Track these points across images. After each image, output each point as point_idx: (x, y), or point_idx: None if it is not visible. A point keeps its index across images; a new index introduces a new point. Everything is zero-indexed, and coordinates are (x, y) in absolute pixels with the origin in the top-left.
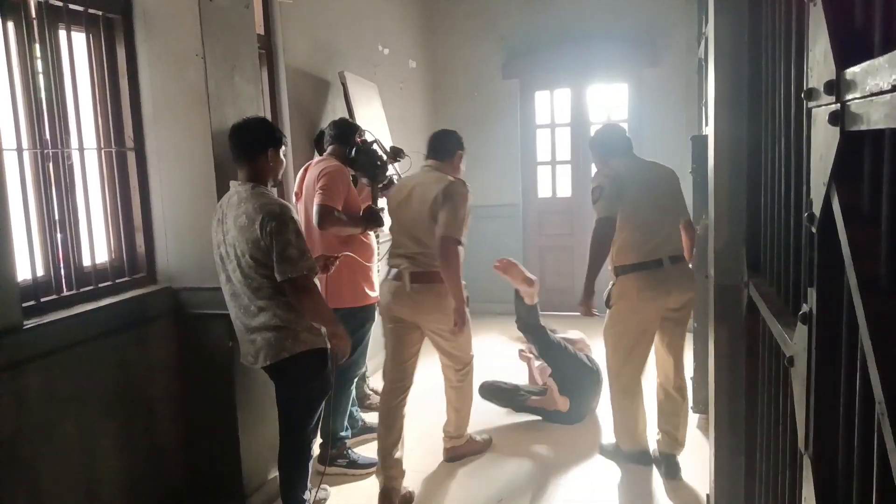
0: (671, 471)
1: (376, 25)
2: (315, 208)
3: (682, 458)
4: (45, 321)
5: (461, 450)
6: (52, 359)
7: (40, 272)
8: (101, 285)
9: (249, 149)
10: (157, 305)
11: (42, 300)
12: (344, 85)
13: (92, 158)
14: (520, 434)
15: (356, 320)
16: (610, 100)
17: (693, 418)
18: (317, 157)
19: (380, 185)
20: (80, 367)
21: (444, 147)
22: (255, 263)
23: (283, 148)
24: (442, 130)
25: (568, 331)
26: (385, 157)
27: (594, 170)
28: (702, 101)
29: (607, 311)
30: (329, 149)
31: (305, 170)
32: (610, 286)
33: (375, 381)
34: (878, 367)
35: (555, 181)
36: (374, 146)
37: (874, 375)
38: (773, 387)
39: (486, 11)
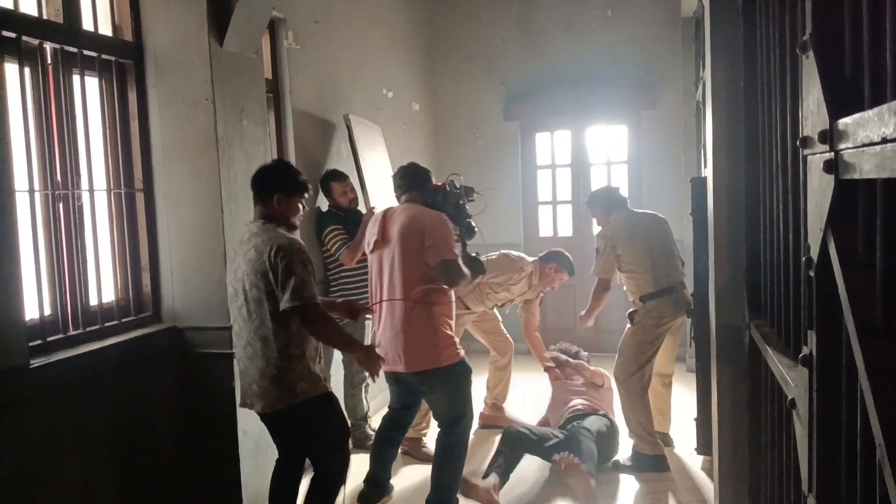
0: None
1: (380, 69)
2: (441, 263)
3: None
4: (51, 360)
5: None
6: (56, 398)
7: (48, 311)
8: (107, 324)
9: (260, 190)
10: (161, 344)
11: (49, 339)
12: (349, 127)
13: (101, 199)
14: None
15: (458, 376)
16: (609, 141)
17: (697, 460)
18: (397, 204)
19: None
20: (84, 406)
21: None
22: (260, 297)
23: (304, 196)
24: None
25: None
26: (463, 200)
27: (594, 223)
28: (700, 143)
29: (628, 326)
30: (405, 196)
31: (384, 218)
32: (634, 309)
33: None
34: (877, 411)
35: (556, 220)
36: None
37: (874, 419)
38: (776, 428)
39: (487, 55)
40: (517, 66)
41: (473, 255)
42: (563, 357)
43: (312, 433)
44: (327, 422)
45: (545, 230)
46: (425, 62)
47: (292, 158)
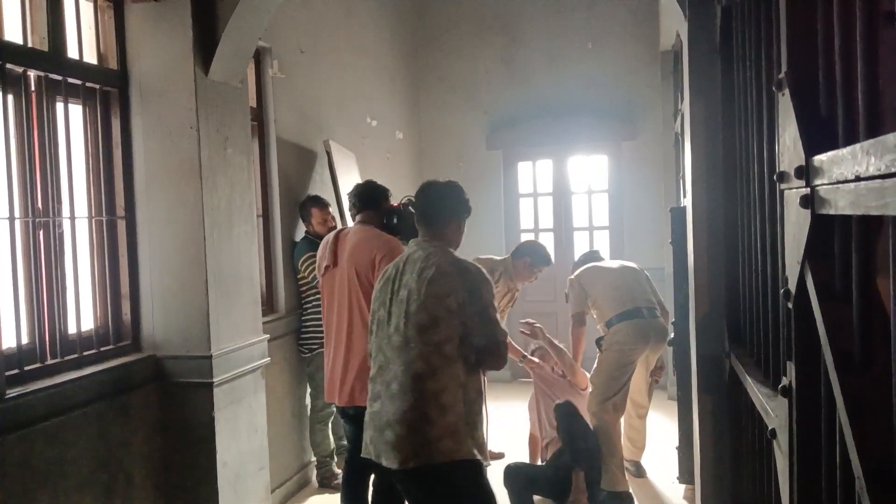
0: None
1: (364, 98)
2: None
3: None
4: (27, 390)
5: None
6: (32, 429)
7: (25, 340)
8: (85, 353)
9: (441, 214)
10: (140, 374)
11: (26, 368)
12: (328, 153)
13: (83, 226)
14: None
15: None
16: (590, 171)
17: (679, 489)
18: (351, 223)
19: None
20: (61, 437)
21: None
22: (429, 324)
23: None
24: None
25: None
26: None
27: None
28: (679, 173)
29: (598, 354)
30: (359, 216)
31: (337, 238)
32: (601, 335)
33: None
34: (855, 443)
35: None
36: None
37: (852, 451)
38: (758, 459)
39: (471, 86)
40: (500, 97)
41: None
42: (545, 346)
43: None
44: (473, 495)
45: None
46: (409, 92)
47: (275, 186)
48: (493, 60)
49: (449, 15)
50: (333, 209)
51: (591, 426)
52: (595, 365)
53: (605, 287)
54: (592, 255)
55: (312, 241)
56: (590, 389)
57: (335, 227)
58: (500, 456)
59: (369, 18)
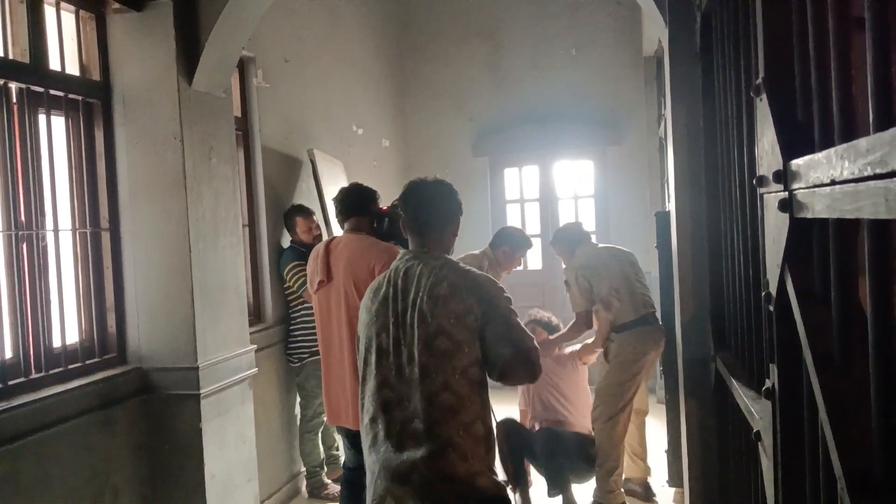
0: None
1: (350, 107)
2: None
3: None
4: (12, 405)
5: None
6: (17, 444)
7: (9, 354)
8: (70, 367)
9: (437, 219)
10: (126, 386)
11: (10, 383)
12: (312, 162)
13: (66, 239)
14: None
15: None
16: (576, 176)
17: (669, 492)
18: (338, 231)
19: None
20: (47, 452)
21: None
22: (453, 348)
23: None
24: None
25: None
26: None
27: (562, 263)
28: (664, 178)
29: (601, 365)
30: (348, 223)
31: (328, 250)
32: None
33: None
34: (836, 445)
35: (525, 254)
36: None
37: (833, 452)
38: (744, 460)
39: (456, 93)
40: (486, 104)
41: None
42: (543, 333)
43: None
44: None
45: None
46: (395, 100)
47: (261, 195)
48: (478, 68)
49: (434, 23)
50: (319, 217)
51: (597, 441)
52: (603, 377)
53: (614, 288)
54: (580, 233)
55: (298, 249)
56: (592, 398)
57: (320, 235)
58: None
59: (354, 27)
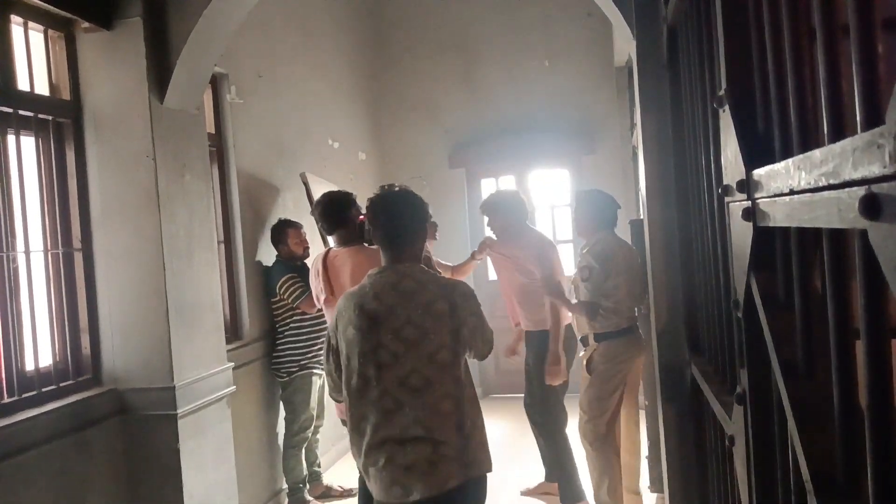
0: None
1: (325, 121)
2: None
3: None
4: None
5: None
6: None
7: None
8: (44, 389)
9: (409, 230)
10: (101, 408)
11: None
12: (306, 184)
13: (38, 260)
14: None
15: None
16: (552, 185)
17: (651, 498)
18: (338, 247)
19: None
20: (21, 476)
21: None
22: (453, 360)
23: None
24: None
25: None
26: None
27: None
28: (637, 186)
29: (587, 375)
30: (334, 238)
31: (326, 268)
32: (585, 351)
33: (331, 477)
34: (802, 448)
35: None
36: None
37: (800, 455)
38: (720, 464)
39: (431, 105)
40: (461, 116)
41: None
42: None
43: None
44: None
45: (493, 273)
46: (370, 113)
47: (237, 211)
48: (452, 80)
49: (408, 36)
50: (315, 233)
51: (592, 460)
52: (585, 390)
53: (628, 287)
54: (611, 216)
55: (288, 263)
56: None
57: (308, 247)
58: None
59: (328, 41)
